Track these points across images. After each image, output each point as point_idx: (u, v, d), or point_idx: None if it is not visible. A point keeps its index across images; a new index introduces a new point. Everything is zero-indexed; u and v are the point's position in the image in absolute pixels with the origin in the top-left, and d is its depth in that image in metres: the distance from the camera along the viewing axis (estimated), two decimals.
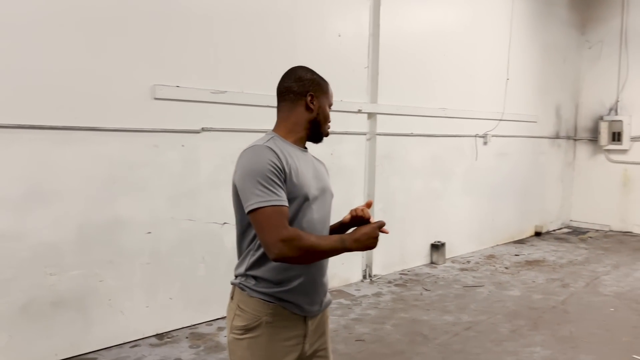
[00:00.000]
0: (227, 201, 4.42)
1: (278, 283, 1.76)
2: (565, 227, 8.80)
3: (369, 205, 1.96)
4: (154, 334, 3.99)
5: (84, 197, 3.59)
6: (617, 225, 8.44)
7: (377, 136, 5.49)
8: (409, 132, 5.85)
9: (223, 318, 4.31)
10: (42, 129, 3.38)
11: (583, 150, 8.81)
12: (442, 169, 6.36)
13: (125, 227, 3.79)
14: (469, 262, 6.42)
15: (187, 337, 3.99)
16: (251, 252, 1.78)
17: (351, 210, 1.92)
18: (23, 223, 3.34)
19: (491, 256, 6.74)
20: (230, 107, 4.27)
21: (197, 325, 4.20)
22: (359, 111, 5.31)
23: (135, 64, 3.75)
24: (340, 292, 5.14)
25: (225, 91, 4.22)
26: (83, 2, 3.50)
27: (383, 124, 5.54)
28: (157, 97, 3.86)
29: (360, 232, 1.73)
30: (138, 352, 3.72)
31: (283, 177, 1.69)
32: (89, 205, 3.62)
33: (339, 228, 1.96)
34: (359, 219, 1.90)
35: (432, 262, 6.27)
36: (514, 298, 5.07)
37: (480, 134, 6.80)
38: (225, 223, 4.29)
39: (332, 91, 1.95)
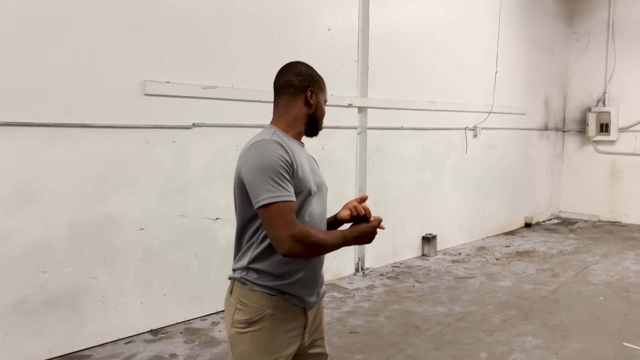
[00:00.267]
0: (219, 197, 4.46)
1: (280, 276, 1.78)
2: (554, 218, 8.89)
3: (364, 199, 1.97)
4: (148, 329, 3.99)
5: (75, 195, 3.58)
6: (605, 216, 8.54)
7: (368, 130, 5.51)
8: (399, 125, 5.87)
9: (217, 313, 4.32)
10: (32, 127, 3.36)
11: (571, 141, 8.89)
12: (433, 162, 6.40)
13: (118, 224, 3.78)
14: (460, 254, 6.48)
15: (181, 333, 4.00)
16: (254, 246, 1.79)
17: (350, 208, 1.92)
18: (14, 221, 3.33)
19: (482, 248, 6.80)
20: (221, 103, 4.27)
21: (191, 321, 4.20)
22: (350, 105, 5.33)
23: (124, 60, 3.73)
24: (333, 286, 5.17)
25: (216, 86, 4.22)
26: None
27: (373, 118, 5.56)
28: (147, 93, 3.85)
29: (359, 228, 1.82)
30: (133, 348, 3.72)
31: (291, 172, 1.72)
32: (80, 202, 3.60)
33: (334, 223, 2.00)
34: (359, 217, 1.89)
35: (423, 255, 6.32)
36: (505, 288, 5.12)
37: (470, 126, 6.85)
38: (217, 219, 4.29)
39: (326, 87, 1.99)
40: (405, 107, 5.90)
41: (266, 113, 1.98)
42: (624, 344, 3.84)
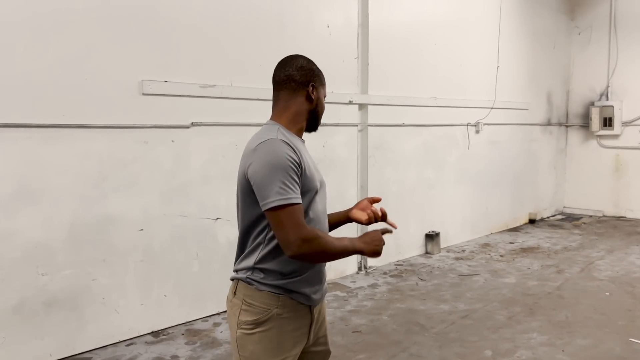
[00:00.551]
0: (220, 196, 4.42)
1: (288, 274, 1.76)
2: (559, 214, 8.83)
3: (377, 201, 2.06)
4: (150, 331, 3.96)
5: (74, 195, 3.55)
6: (610, 211, 8.48)
7: (369, 127, 5.47)
8: (400, 122, 5.83)
9: (218, 314, 4.29)
10: (29, 128, 3.33)
11: (575, 136, 8.83)
12: (435, 159, 6.35)
13: (117, 225, 3.75)
14: (464, 251, 6.43)
15: (182, 334, 3.97)
16: (261, 246, 1.76)
17: (369, 213, 2.00)
18: (12, 223, 3.30)
19: (486, 244, 6.75)
20: (220, 101, 4.23)
21: (192, 322, 4.17)
22: (350, 102, 5.29)
23: (122, 59, 3.70)
24: (335, 285, 5.13)
25: (215, 85, 4.18)
26: None
27: (374, 115, 5.52)
28: (145, 92, 3.81)
29: (370, 236, 1.80)
30: (134, 350, 3.69)
31: (299, 172, 1.70)
32: (80, 203, 3.57)
33: (344, 220, 2.07)
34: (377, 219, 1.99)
35: (427, 252, 6.27)
36: (509, 285, 5.08)
37: (472, 122, 6.79)
38: (218, 218, 4.26)
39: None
40: (406, 104, 5.86)
41: (266, 111, 1.94)
42: (630, 339, 3.79)
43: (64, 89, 3.46)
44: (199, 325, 4.13)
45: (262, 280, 1.75)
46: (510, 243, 6.83)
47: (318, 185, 1.82)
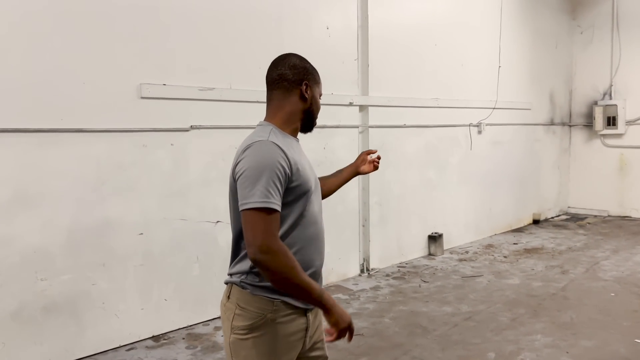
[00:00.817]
0: (219, 199, 4.40)
1: None
2: (563, 214, 8.77)
3: (372, 152, 2.36)
4: (150, 336, 3.94)
5: (73, 200, 3.53)
6: (615, 210, 8.41)
7: (370, 128, 5.44)
8: (401, 123, 5.80)
9: (220, 318, 4.25)
10: (27, 132, 3.32)
11: (578, 136, 8.77)
12: (437, 160, 6.31)
13: (116, 229, 3.73)
14: (467, 252, 6.38)
15: (183, 338, 3.94)
16: None
17: (372, 163, 2.32)
18: (10, 228, 3.28)
19: (489, 245, 6.70)
20: (219, 104, 4.22)
21: (193, 326, 4.15)
22: (350, 104, 5.26)
23: (120, 63, 3.69)
24: (338, 287, 5.09)
25: (214, 88, 4.16)
26: (65, 0, 3.43)
27: (375, 116, 5.49)
28: (143, 96, 3.80)
29: (341, 309, 1.72)
30: (134, 355, 3.67)
31: (286, 178, 1.66)
32: (78, 207, 3.56)
33: (349, 177, 2.30)
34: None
35: (430, 254, 6.23)
36: (513, 286, 5.03)
37: (474, 122, 6.75)
38: (218, 221, 4.24)
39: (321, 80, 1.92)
40: (407, 105, 5.83)
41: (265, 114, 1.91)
42: (636, 340, 3.74)
43: (62, 93, 3.45)
44: (200, 330, 4.10)
45: (257, 284, 1.72)
46: (514, 244, 6.78)
47: (313, 185, 1.79)
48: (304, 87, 1.81)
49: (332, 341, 1.76)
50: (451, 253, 6.33)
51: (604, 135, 8.39)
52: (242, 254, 1.77)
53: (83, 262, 3.59)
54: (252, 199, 1.60)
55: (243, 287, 1.74)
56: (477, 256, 6.18)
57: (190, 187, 4.11)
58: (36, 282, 3.39)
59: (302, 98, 1.82)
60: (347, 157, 5.25)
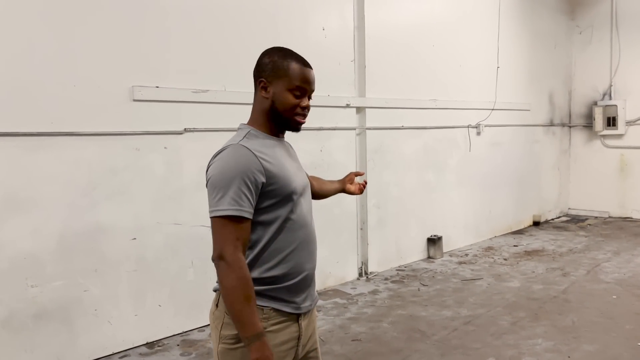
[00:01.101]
0: None
1: (273, 282, 1.67)
2: (563, 216, 8.70)
3: (360, 174, 2.32)
4: (144, 342, 3.87)
5: (64, 205, 3.47)
6: (616, 211, 8.34)
7: (367, 130, 5.38)
8: (399, 125, 5.74)
9: None
10: (17, 136, 3.26)
11: (578, 136, 8.70)
12: (436, 161, 6.25)
13: (109, 234, 3.67)
14: (466, 255, 6.31)
15: (178, 345, 3.88)
16: (245, 254, 1.66)
17: (359, 187, 2.28)
18: (0, 233, 3.22)
19: (489, 248, 6.63)
20: (213, 106, 4.15)
21: (188, 332, 4.08)
22: (347, 105, 5.19)
23: (111, 65, 3.63)
24: (335, 292, 5.02)
25: (208, 90, 4.11)
26: (55, 1, 3.37)
27: (372, 118, 5.43)
28: (136, 98, 3.74)
29: (268, 348, 1.59)
30: None
31: (259, 183, 1.61)
32: (70, 212, 3.49)
33: (336, 192, 2.26)
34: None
35: (429, 257, 6.16)
36: (513, 289, 4.96)
37: (473, 124, 6.69)
38: None
39: (303, 72, 1.73)
40: (405, 106, 5.77)
41: None
42: (639, 344, 3.66)
43: (52, 96, 3.39)
44: (195, 336, 4.03)
45: None
46: (514, 246, 6.71)
47: (300, 188, 1.73)
48: (260, 84, 1.73)
49: None
50: (450, 256, 6.26)
51: (604, 136, 8.33)
52: None
53: (75, 268, 3.52)
54: (219, 207, 1.57)
55: None
56: (476, 259, 6.11)
57: (184, 191, 4.04)
58: (26, 289, 3.33)
59: (265, 96, 1.74)
60: (344, 160, 5.24)
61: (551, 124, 8.29)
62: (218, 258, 1.57)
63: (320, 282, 5.06)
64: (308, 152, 4.60)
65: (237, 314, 1.56)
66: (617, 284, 5.00)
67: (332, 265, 5.15)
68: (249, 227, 1.62)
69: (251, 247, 1.66)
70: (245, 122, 1.80)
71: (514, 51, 7.30)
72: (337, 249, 5.22)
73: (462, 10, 6.42)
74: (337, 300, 4.78)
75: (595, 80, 8.37)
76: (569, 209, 8.84)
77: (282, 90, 1.71)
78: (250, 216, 1.60)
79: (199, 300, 4.11)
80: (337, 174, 5.10)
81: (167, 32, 3.90)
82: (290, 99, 1.72)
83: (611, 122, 8.10)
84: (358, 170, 5.41)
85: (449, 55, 6.27)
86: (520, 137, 7.59)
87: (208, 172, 1.66)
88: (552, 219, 8.43)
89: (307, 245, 1.75)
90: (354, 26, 5.27)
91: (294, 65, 1.72)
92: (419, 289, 5.05)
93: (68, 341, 3.51)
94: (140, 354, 3.74)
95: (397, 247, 5.84)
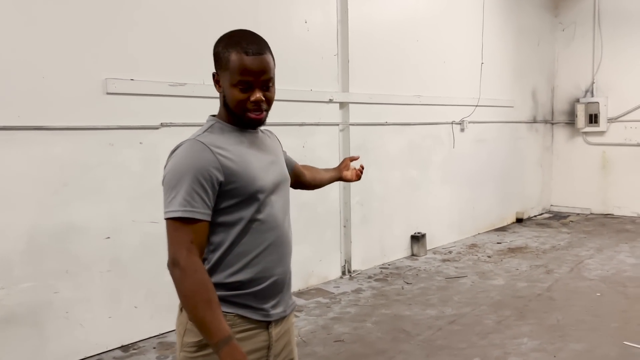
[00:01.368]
0: None
1: (239, 287, 1.54)
2: (546, 212, 8.71)
3: (355, 159, 2.28)
4: (119, 345, 3.72)
5: (33, 203, 3.30)
6: (597, 208, 8.37)
7: (351, 126, 5.27)
8: (383, 121, 5.64)
9: None
10: None
11: (561, 133, 8.72)
12: (420, 158, 6.17)
13: (81, 233, 3.50)
14: (450, 252, 6.26)
15: (154, 348, 3.73)
16: (205, 261, 1.54)
17: (356, 172, 2.23)
18: None
19: (473, 245, 6.58)
20: (191, 100, 4.00)
21: (165, 334, 3.93)
22: (330, 101, 5.08)
23: (83, 56, 3.46)
24: (318, 291, 4.92)
25: (185, 83, 3.96)
26: None
27: (356, 114, 5.32)
28: (109, 91, 3.58)
29: (240, 351, 1.43)
30: None
31: (216, 181, 1.48)
32: (39, 211, 3.33)
33: (333, 180, 2.24)
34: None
35: (413, 254, 6.09)
36: (498, 287, 4.90)
37: (457, 120, 6.63)
38: None
39: (243, 62, 1.50)
40: (389, 102, 5.67)
41: None
42: (625, 342, 3.62)
43: (19, 88, 3.22)
44: (172, 338, 3.89)
45: None
46: (498, 243, 6.68)
47: (269, 186, 1.59)
48: (214, 77, 1.60)
49: None
50: (434, 253, 6.20)
51: (586, 133, 8.35)
52: None
53: (44, 269, 3.35)
54: (170, 208, 1.46)
55: None
56: (460, 256, 6.06)
57: (161, 188, 3.88)
58: None
59: (219, 91, 1.60)
60: (327, 156, 5.12)
61: (534, 121, 8.29)
62: (172, 264, 1.46)
63: (303, 281, 4.94)
64: (290, 148, 4.44)
65: (200, 320, 1.44)
66: (601, 281, 4.98)
67: (315, 264, 5.05)
68: (205, 229, 1.49)
69: (214, 250, 1.54)
70: (216, 114, 1.66)
71: (498, 47, 7.26)
72: (320, 247, 5.11)
73: (446, 6, 6.35)
74: (320, 299, 4.68)
75: (578, 77, 8.38)
76: (552, 205, 8.86)
77: (227, 85, 1.54)
78: (205, 217, 1.48)
79: (177, 301, 3.96)
80: None
81: (143, 22, 3.74)
82: (236, 94, 1.53)
83: (593, 119, 8.12)
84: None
85: (433, 51, 6.19)
86: (504, 133, 7.56)
87: (164, 171, 1.54)
88: (535, 216, 8.43)
89: (277, 248, 1.61)
90: (337, 20, 5.15)
91: (234, 57, 1.50)
92: (402, 288, 4.97)
93: (38, 346, 3.35)
94: (114, 357, 3.59)
95: (380, 245, 5.76)
